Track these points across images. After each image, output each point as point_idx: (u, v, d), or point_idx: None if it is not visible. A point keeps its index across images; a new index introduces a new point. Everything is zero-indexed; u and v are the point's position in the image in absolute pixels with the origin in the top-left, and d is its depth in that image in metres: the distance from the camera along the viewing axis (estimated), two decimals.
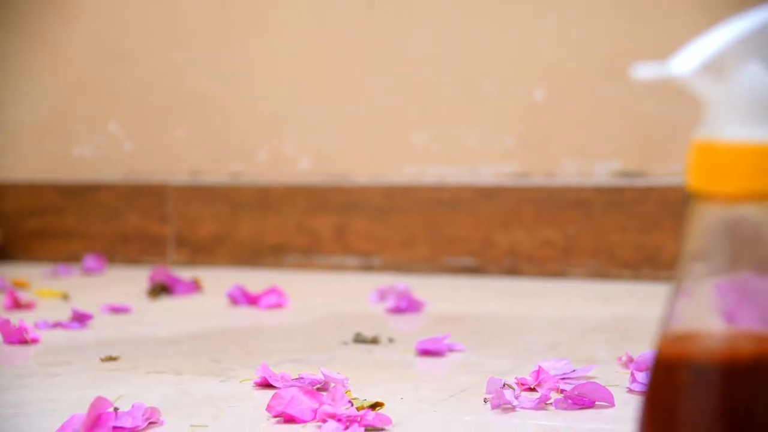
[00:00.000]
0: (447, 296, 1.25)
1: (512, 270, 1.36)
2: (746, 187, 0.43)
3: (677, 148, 1.26)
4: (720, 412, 0.42)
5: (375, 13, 1.43)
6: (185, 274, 1.40)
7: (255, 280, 1.34)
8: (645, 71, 0.42)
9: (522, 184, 1.36)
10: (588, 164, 1.33)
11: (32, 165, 1.65)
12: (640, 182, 1.29)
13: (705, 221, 0.43)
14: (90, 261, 1.53)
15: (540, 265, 1.35)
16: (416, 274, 1.41)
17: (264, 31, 1.50)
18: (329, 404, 0.70)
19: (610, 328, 1.03)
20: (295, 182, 1.48)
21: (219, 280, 1.35)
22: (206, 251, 1.53)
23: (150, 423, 0.69)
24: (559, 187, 1.34)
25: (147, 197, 1.57)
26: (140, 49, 1.58)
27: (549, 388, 0.74)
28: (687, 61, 0.42)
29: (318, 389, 0.75)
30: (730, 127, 0.43)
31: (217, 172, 1.53)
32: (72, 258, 1.60)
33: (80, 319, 1.07)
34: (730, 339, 0.43)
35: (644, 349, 0.79)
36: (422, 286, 1.29)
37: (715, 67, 0.43)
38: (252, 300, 1.19)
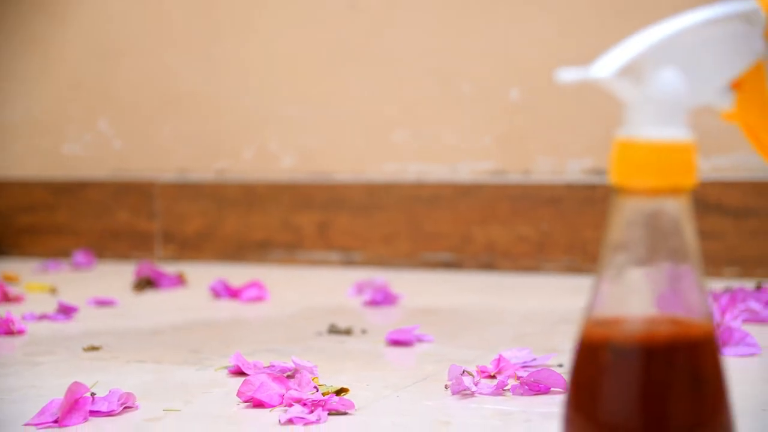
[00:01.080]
0: (425, 290, 1.28)
1: (489, 265, 1.39)
2: (663, 183, 0.46)
3: None
4: (638, 391, 0.46)
5: (357, 16, 1.46)
6: (172, 269, 1.43)
7: (239, 274, 1.37)
8: (568, 74, 0.46)
9: (499, 182, 1.39)
10: (561, 162, 1.36)
11: (24, 163, 1.69)
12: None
13: (626, 214, 0.47)
14: (79, 256, 1.56)
15: (516, 260, 1.38)
16: (397, 269, 1.45)
17: (250, 33, 1.54)
18: (296, 389, 0.73)
19: (577, 320, 1.06)
20: (279, 179, 1.51)
21: (204, 275, 1.39)
22: (193, 247, 1.56)
23: (125, 407, 0.72)
24: (534, 184, 1.37)
25: (135, 194, 1.60)
26: (129, 50, 1.61)
27: (508, 376, 0.77)
28: (607, 65, 0.46)
29: (288, 376, 0.78)
30: (647, 127, 0.46)
31: (203, 169, 1.56)
32: (62, 253, 1.63)
33: (66, 311, 1.10)
34: (648, 323, 0.46)
35: None
36: (402, 281, 1.32)
37: (633, 71, 0.46)
38: (233, 293, 1.22)
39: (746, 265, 1.26)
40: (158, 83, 1.59)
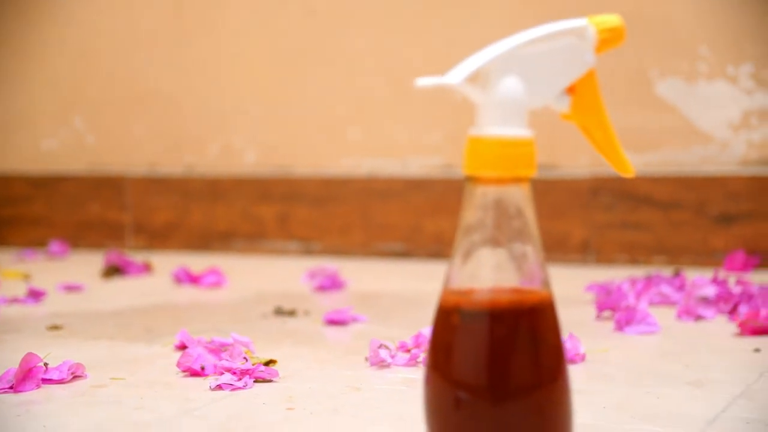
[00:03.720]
0: (374, 277, 1.36)
1: (438, 254, 1.48)
2: (506, 173, 0.54)
3: (582, 143, 1.37)
4: (483, 351, 0.53)
5: (315, 21, 1.54)
6: (142, 258, 1.51)
7: (204, 263, 1.44)
8: (424, 81, 0.54)
9: (447, 176, 1.47)
10: None
11: (3, 158, 1.77)
12: (549, 174, 1.41)
13: (476, 200, 0.55)
14: (54, 246, 1.64)
15: None
16: (352, 257, 1.53)
17: (215, 35, 1.61)
18: (227, 360, 0.82)
19: None
20: (243, 173, 1.59)
21: (171, 264, 1.46)
22: (161, 237, 1.64)
23: (75, 376, 0.81)
24: None
25: (108, 187, 1.68)
26: (101, 50, 1.68)
27: (422, 349, 0.86)
28: (458, 73, 0.54)
29: (225, 350, 0.86)
30: (493, 126, 0.54)
31: (171, 164, 1.64)
32: (39, 243, 1.71)
33: (35, 295, 1.18)
34: (494, 292, 0.55)
35: None
36: (355, 269, 1.41)
37: (480, 78, 0.54)
38: (194, 280, 1.30)
39: (673, 254, 1.34)
40: (129, 82, 1.67)
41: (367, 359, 0.85)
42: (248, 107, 1.59)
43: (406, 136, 1.50)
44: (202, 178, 1.62)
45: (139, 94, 1.66)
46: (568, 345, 0.83)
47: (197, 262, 1.47)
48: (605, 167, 1.38)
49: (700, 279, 1.09)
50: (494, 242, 0.55)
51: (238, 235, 1.59)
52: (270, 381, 0.79)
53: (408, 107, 1.50)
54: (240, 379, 0.78)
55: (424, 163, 1.49)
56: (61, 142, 1.72)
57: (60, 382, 0.79)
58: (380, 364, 0.84)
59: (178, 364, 0.82)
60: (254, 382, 0.78)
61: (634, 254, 1.36)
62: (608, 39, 0.56)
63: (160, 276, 1.39)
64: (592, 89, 0.56)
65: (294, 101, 1.56)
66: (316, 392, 0.75)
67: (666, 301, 1.07)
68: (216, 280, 1.29)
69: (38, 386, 0.78)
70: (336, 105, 1.54)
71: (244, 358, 0.82)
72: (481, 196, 0.55)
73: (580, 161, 1.39)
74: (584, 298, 1.13)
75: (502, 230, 0.55)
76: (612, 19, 0.56)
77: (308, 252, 1.55)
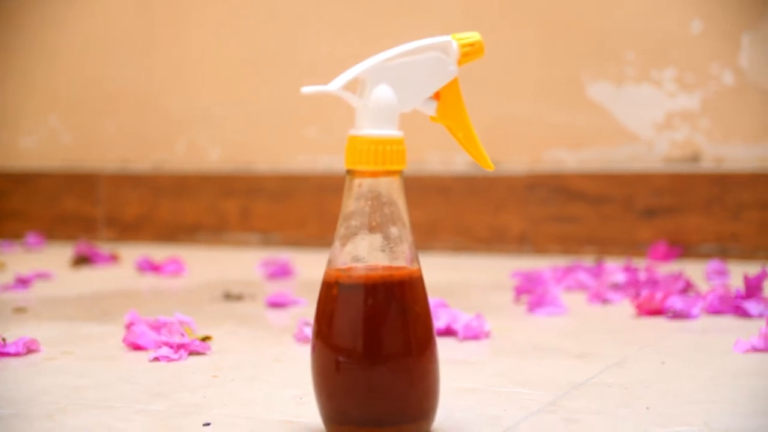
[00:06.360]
0: (324, 267, 1.45)
1: None
2: (379, 167, 0.63)
3: (521, 142, 1.47)
4: (359, 319, 0.62)
5: (275, 26, 1.63)
6: (113, 250, 1.60)
7: (172, 254, 1.53)
8: (308, 89, 0.63)
9: None
10: (449, 155, 1.54)
11: None
12: (489, 171, 1.50)
13: (354, 191, 0.64)
14: (31, 238, 1.73)
15: None
16: (307, 248, 1.62)
17: (182, 40, 1.70)
18: (165, 336, 0.91)
19: (440, 290, 1.23)
20: (207, 170, 1.69)
21: (140, 255, 1.55)
22: (132, 230, 1.73)
23: (30, 350, 0.90)
24: (426, 175, 1.54)
25: (81, 183, 1.77)
26: (76, 53, 1.78)
27: None
28: (337, 81, 0.63)
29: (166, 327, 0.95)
30: (368, 127, 0.63)
31: (141, 161, 1.74)
32: (17, 236, 1.80)
33: (23, 282, 1.27)
34: (368, 268, 0.64)
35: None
36: (309, 259, 1.50)
37: (356, 86, 0.63)
38: (155, 268, 1.39)
39: (603, 245, 1.44)
40: (102, 84, 1.76)
41: (294, 336, 0.94)
42: (213, 108, 1.68)
43: None
44: (170, 175, 1.71)
45: (111, 95, 1.75)
46: (474, 324, 0.93)
47: (164, 253, 1.56)
48: (542, 164, 1.48)
49: (614, 267, 1.18)
50: (370, 227, 0.63)
51: (203, 228, 1.68)
52: (203, 354, 0.88)
53: None
54: (176, 352, 0.87)
55: None
56: (38, 140, 1.81)
57: (16, 355, 0.88)
58: (305, 340, 0.93)
59: (124, 340, 0.91)
60: (189, 355, 0.87)
61: (567, 245, 1.45)
62: (469, 53, 0.65)
63: (125, 265, 1.48)
64: (455, 95, 0.65)
65: (255, 102, 1.66)
66: (242, 363, 0.84)
67: (582, 287, 1.16)
68: (176, 268, 1.38)
69: None
70: (294, 106, 1.63)
71: (181, 334, 0.91)
72: (357, 187, 0.63)
73: (518, 159, 1.48)
74: (509, 284, 1.22)
75: (377, 216, 0.63)
76: (473, 36, 0.65)
77: (267, 243, 1.64)
